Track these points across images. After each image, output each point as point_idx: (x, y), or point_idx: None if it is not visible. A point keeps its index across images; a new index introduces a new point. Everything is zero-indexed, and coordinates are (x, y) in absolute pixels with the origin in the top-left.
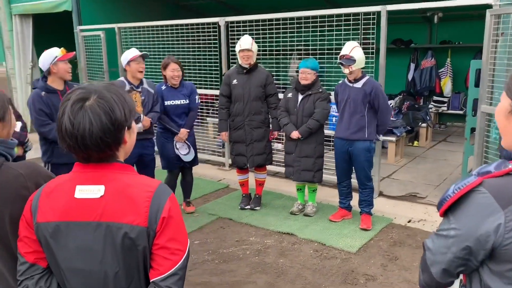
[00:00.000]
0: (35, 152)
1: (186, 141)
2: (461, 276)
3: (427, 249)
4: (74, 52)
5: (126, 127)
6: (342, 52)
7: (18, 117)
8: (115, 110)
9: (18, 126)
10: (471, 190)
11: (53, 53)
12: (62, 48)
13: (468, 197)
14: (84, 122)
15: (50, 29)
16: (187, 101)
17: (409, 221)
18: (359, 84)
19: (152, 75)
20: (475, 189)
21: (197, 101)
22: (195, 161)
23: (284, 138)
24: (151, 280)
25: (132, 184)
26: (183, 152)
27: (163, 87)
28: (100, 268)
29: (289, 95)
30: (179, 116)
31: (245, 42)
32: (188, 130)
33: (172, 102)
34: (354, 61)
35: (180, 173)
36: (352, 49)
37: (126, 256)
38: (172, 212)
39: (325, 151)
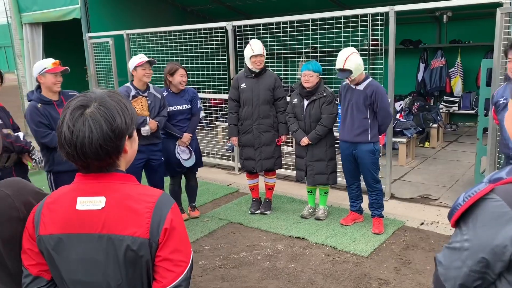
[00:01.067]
0: None
1: (189, 146)
2: None
3: (439, 264)
4: (66, 68)
5: (127, 136)
6: (337, 66)
7: (16, 129)
8: (116, 118)
9: (21, 135)
10: (482, 198)
11: (43, 64)
12: (54, 61)
13: (480, 205)
14: (83, 129)
15: (60, 37)
16: (189, 106)
17: (421, 224)
18: (361, 87)
19: (160, 81)
20: (486, 196)
21: (199, 106)
22: (198, 164)
23: (292, 141)
24: None
25: (133, 195)
26: (185, 157)
27: (165, 93)
28: (102, 280)
29: (295, 100)
30: (181, 121)
31: (257, 48)
32: (191, 135)
33: (175, 108)
34: (351, 71)
35: (184, 178)
36: (345, 60)
37: (129, 268)
38: (175, 223)
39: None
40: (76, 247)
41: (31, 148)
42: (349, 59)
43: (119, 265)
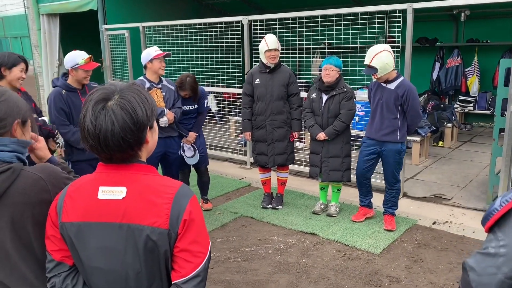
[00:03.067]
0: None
1: (193, 144)
2: None
3: (470, 270)
4: (97, 64)
5: (148, 127)
6: (365, 62)
7: (39, 114)
8: (137, 110)
9: (46, 119)
10: None
11: (76, 59)
12: (87, 57)
13: None
14: (106, 122)
15: (76, 28)
16: (196, 107)
17: (434, 223)
18: (392, 86)
19: (176, 73)
20: None
21: (205, 106)
22: (205, 162)
23: (305, 137)
24: (173, 282)
25: (153, 186)
26: (189, 154)
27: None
28: (121, 268)
29: (313, 95)
30: (187, 119)
31: (272, 42)
32: (197, 134)
33: (182, 107)
34: (376, 69)
35: (196, 174)
36: (373, 58)
37: (148, 257)
38: (194, 214)
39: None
40: (96, 236)
41: (56, 132)
42: (378, 56)
43: (138, 254)
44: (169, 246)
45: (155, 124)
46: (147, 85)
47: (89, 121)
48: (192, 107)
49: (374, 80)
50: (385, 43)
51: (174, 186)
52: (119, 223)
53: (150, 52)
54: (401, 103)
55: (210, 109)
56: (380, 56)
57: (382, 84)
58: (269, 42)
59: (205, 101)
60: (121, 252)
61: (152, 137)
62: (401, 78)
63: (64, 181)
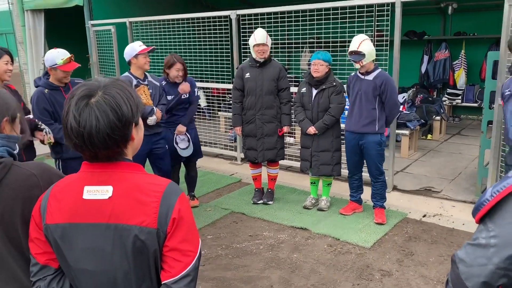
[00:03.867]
0: (43, 148)
1: (187, 134)
2: None
3: (459, 262)
4: (78, 65)
5: (134, 123)
6: (351, 48)
7: (28, 113)
8: (122, 106)
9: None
10: (511, 193)
11: (55, 59)
12: (67, 57)
13: (508, 201)
14: (90, 119)
15: (62, 24)
16: (187, 96)
17: (424, 216)
18: (370, 77)
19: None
20: None
21: (196, 94)
22: (197, 155)
23: (295, 132)
24: (162, 282)
25: (140, 184)
26: (182, 146)
27: (163, 83)
28: (109, 270)
29: (303, 90)
30: (180, 110)
31: (261, 36)
32: (185, 126)
33: (173, 97)
34: (364, 55)
35: (185, 168)
36: (360, 43)
37: (136, 258)
38: (183, 212)
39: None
40: (83, 237)
41: (39, 124)
42: (364, 43)
43: (127, 255)
44: (158, 245)
45: (140, 121)
46: (134, 82)
47: (72, 118)
48: (185, 96)
49: (357, 68)
50: (374, 37)
51: (162, 184)
52: (106, 223)
53: (134, 47)
54: (380, 93)
55: (199, 104)
56: (366, 43)
57: (361, 76)
58: (258, 36)
59: (196, 89)
60: (109, 253)
61: (138, 134)
62: (379, 70)
63: (59, 178)
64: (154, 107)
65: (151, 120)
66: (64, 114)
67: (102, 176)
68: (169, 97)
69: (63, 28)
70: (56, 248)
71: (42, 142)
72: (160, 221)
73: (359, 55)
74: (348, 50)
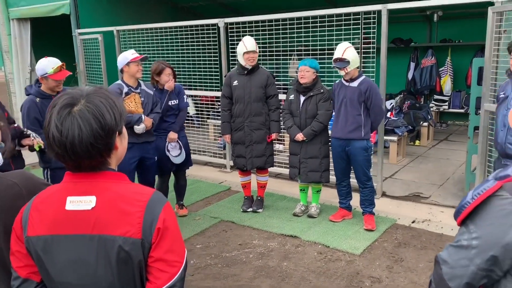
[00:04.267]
0: (33, 158)
1: (179, 141)
2: None
3: (443, 263)
4: (69, 73)
5: (117, 132)
6: (335, 56)
7: (12, 123)
8: (105, 115)
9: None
10: (491, 195)
11: (46, 68)
12: (58, 65)
13: (489, 203)
14: (72, 128)
15: (49, 33)
16: (177, 102)
17: (413, 222)
18: (355, 83)
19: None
20: (496, 193)
21: (185, 101)
22: (188, 163)
23: (284, 139)
24: None
25: (124, 194)
26: (175, 153)
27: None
28: (93, 282)
29: (291, 97)
30: (170, 117)
31: (250, 44)
32: (176, 133)
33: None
34: (348, 62)
35: (174, 177)
36: (344, 50)
37: (121, 269)
38: (168, 222)
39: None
40: (66, 249)
41: (25, 130)
42: (348, 50)
43: (111, 266)
44: (143, 256)
45: (124, 130)
46: (125, 89)
47: (54, 128)
48: (174, 102)
49: (342, 75)
50: (361, 44)
51: (146, 193)
52: (89, 234)
53: (126, 56)
54: (364, 99)
55: (188, 112)
56: (351, 50)
57: (345, 83)
58: (248, 44)
59: (184, 96)
60: (92, 265)
61: (122, 143)
62: (363, 76)
63: (42, 187)
64: (143, 115)
65: (139, 128)
66: (46, 123)
67: (85, 186)
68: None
69: (49, 36)
70: (38, 261)
71: (31, 149)
72: (145, 231)
73: (343, 62)
74: (332, 59)
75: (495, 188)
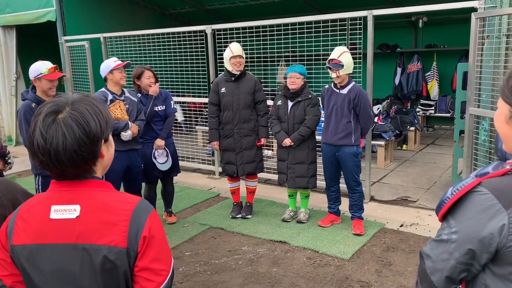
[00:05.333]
0: (23, 165)
1: (166, 148)
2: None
3: (425, 257)
4: (62, 74)
5: (103, 140)
6: (331, 56)
7: None
8: (90, 122)
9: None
10: (470, 191)
11: (39, 68)
12: (51, 66)
13: (468, 198)
14: (57, 136)
15: (35, 40)
16: (164, 107)
17: (401, 226)
18: (345, 90)
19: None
20: (474, 189)
21: (172, 107)
22: (175, 171)
23: (273, 144)
24: None
25: (109, 203)
26: (161, 160)
27: (139, 95)
28: None
29: (279, 102)
30: (157, 123)
31: (236, 49)
32: (163, 140)
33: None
34: (342, 66)
35: (161, 183)
36: (341, 54)
37: (106, 279)
38: (154, 231)
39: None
40: (50, 258)
41: (7, 152)
42: (345, 54)
43: (96, 276)
44: (128, 265)
45: (110, 137)
46: (110, 97)
47: (39, 135)
48: (161, 108)
49: (333, 76)
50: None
51: (131, 202)
52: (73, 243)
53: (109, 64)
54: (354, 106)
55: (177, 119)
56: (347, 55)
57: (336, 90)
58: (234, 49)
59: (172, 102)
60: (77, 275)
61: (108, 151)
62: (353, 83)
63: (23, 196)
64: (129, 122)
65: (126, 135)
66: (31, 130)
67: (69, 195)
68: (143, 107)
69: (35, 43)
70: (23, 270)
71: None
72: (130, 240)
73: (338, 64)
74: (327, 59)
75: (474, 184)
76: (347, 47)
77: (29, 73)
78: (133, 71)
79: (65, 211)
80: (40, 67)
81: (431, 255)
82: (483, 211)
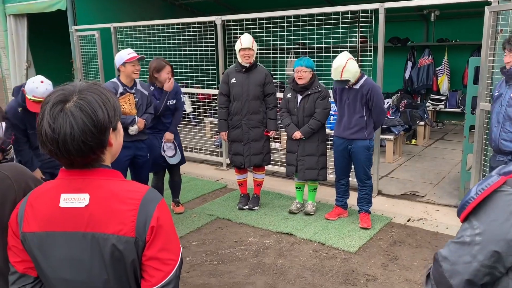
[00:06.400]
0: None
1: (174, 142)
2: None
3: (442, 260)
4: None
5: (111, 129)
6: (334, 77)
7: (3, 119)
8: (97, 111)
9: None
10: (495, 191)
11: (32, 87)
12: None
13: (493, 198)
14: (64, 126)
15: (45, 29)
16: (175, 101)
17: (408, 220)
18: (357, 86)
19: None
20: (500, 189)
21: (182, 100)
22: (182, 161)
23: (281, 137)
24: None
25: (118, 192)
26: (170, 154)
27: (151, 88)
28: (88, 279)
29: (288, 95)
30: (167, 116)
31: (246, 41)
32: (173, 134)
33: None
34: (349, 80)
35: (168, 173)
36: (342, 72)
37: (115, 267)
38: (162, 220)
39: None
40: (60, 246)
41: (8, 147)
42: (346, 69)
43: (105, 264)
44: (136, 255)
45: (119, 125)
46: (121, 89)
47: (46, 125)
48: (172, 102)
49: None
50: (358, 43)
51: (140, 191)
52: (83, 232)
53: (122, 56)
54: (366, 101)
55: (185, 110)
56: (348, 68)
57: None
58: (244, 41)
59: (181, 96)
60: (86, 262)
61: (116, 139)
62: (365, 77)
63: (34, 182)
64: (136, 117)
65: (132, 130)
66: (39, 120)
67: (78, 183)
68: (158, 102)
69: (46, 32)
70: (34, 257)
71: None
72: (138, 229)
73: (344, 82)
74: (334, 56)
75: (499, 183)
76: (358, 40)
77: (26, 88)
78: (154, 64)
79: (74, 200)
80: (33, 84)
81: (449, 258)
82: (510, 211)
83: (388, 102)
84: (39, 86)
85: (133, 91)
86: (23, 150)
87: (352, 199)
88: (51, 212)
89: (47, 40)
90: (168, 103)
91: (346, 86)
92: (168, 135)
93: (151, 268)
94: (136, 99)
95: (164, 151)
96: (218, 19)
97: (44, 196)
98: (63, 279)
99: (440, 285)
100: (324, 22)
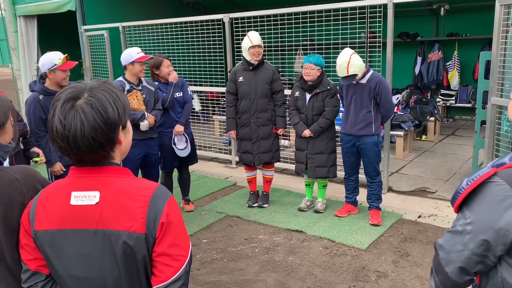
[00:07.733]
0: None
1: (185, 134)
2: None
3: (439, 248)
4: (76, 62)
5: (121, 126)
6: (340, 74)
7: (19, 121)
8: (108, 109)
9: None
10: (485, 181)
11: (53, 60)
12: (63, 56)
13: (483, 188)
14: (75, 122)
15: (55, 29)
16: (182, 94)
17: (419, 217)
18: (364, 80)
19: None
20: (489, 180)
21: (189, 93)
22: (192, 159)
23: (290, 134)
24: (153, 287)
25: (128, 189)
26: (181, 146)
27: (156, 83)
28: (99, 276)
29: (297, 93)
30: (175, 110)
31: (256, 39)
32: (183, 125)
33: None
34: (356, 74)
35: (177, 171)
36: (348, 68)
37: (126, 263)
38: (172, 216)
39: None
40: (71, 243)
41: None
42: (351, 64)
43: (116, 260)
44: (147, 251)
45: (128, 124)
46: (127, 87)
47: (57, 121)
48: (179, 94)
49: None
50: (367, 38)
51: (149, 188)
52: (94, 229)
53: (131, 54)
54: (374, 95)
55: (194, 108)
56: (353, 63)
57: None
58: (253, 38)
59: (188, 89)
60: (98, 259)
61: (126, 138)
62: (371, 72)
63: (43, 185)
64: (146, 112)
65: (143, 125)
66: (50, 116)
67: (89, 181)
68: (164, 95)
69: (56, 33)
70: (46, 255)
71: (32, 157)
72: (149, 226)
73: (350, 77)
74: (338, 72)
75: (489, 174)
76: (367, 36)
77: (41, 66)
78: (151, 61)
79: (85, 197)
80: (53, 58)
81: (445, 246)
82: (498, 201)
83: (398, 98)
84: (53, 53)
85: (139, 88)
86: (42, 144)
87: (362, 196)
88: (62, 210)
89: (57, 41)
90: (175, 96)
91: (354, 82)
92: (178, 127)
93: (161, 264)
94: (144, 96)
95: (175, 143)
96: (225, 17)
97: (55, 194)
98: (75, 276)
99: (438, 273)
100: (332, 18)
